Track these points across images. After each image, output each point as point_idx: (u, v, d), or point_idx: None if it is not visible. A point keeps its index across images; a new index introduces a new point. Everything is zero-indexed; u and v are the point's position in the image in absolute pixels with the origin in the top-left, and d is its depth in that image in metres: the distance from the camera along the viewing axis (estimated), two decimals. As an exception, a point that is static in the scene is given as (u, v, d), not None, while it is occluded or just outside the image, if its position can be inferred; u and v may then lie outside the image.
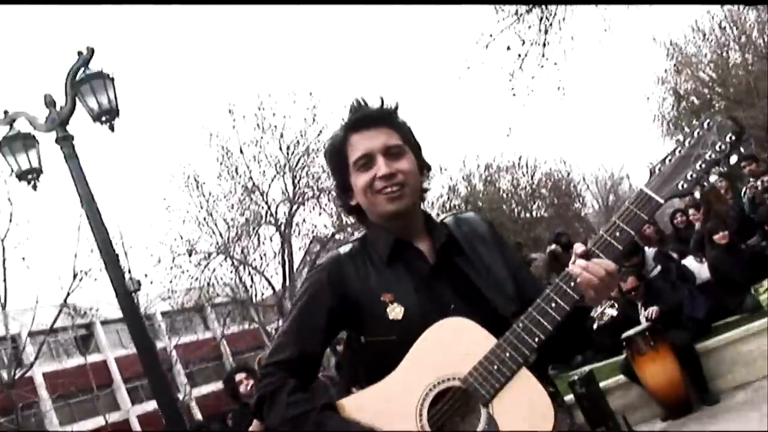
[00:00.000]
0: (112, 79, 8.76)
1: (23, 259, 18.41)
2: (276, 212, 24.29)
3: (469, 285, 2.03)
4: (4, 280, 17.82)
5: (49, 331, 20.44)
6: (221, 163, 23.98)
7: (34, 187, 9.21)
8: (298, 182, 24.51)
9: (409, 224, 2.09)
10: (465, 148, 60.48)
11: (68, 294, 19.12)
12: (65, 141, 8.49)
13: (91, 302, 26.90)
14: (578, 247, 1.85)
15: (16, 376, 17.58)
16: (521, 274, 2.12)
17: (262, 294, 24.65)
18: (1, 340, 22.78)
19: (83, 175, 8.49)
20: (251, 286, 24.58)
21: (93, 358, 36.78)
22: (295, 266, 24.20)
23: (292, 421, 1.93)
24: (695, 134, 1.82)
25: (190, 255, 23.72)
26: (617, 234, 1.82)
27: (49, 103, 8.60)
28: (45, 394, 29.07)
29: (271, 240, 24.16)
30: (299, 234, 24.83)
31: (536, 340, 1.81)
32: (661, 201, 1.81)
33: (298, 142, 23.87)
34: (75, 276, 18.48)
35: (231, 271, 24.61)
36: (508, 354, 1.81)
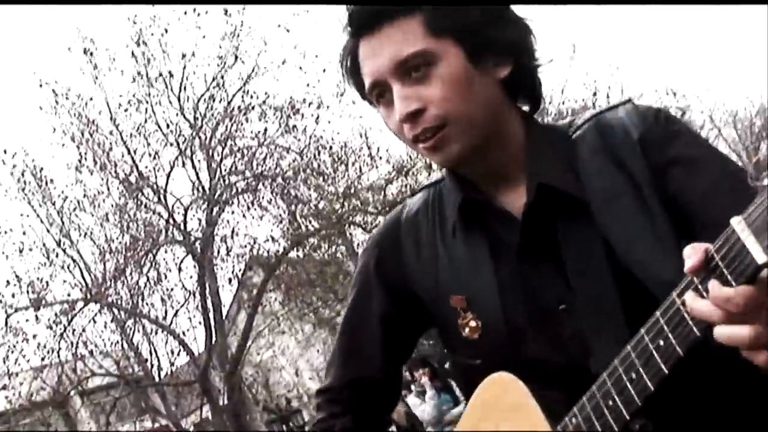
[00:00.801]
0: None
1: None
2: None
3: (595, 264, 1.14)
4: None
5: None
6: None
7: None
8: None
9: (488, 168, 1.22)
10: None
11: None
12: None
13: None
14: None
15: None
16: (710, 211, 1.06)
17: None
18: None
19: None
20: None
21: None
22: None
23: None
24: None
25: None
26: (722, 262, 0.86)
27: None
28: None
29: None
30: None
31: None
32: (762, 261, 0.82)
33: None
34: None
35: None
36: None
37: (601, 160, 1.19)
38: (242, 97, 14.29)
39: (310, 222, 14.76)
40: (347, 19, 1.22)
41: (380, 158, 14.64)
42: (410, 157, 14.37)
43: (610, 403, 1.02)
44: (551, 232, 1.18)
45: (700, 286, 0.88)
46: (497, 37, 1.18)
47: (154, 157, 14.47)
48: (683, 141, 1.17)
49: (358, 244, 14.92)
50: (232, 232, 14.93)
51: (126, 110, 14.19)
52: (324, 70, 13.74)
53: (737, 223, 0.85)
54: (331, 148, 14.55)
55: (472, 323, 1.24)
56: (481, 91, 1.17)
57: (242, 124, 14.43)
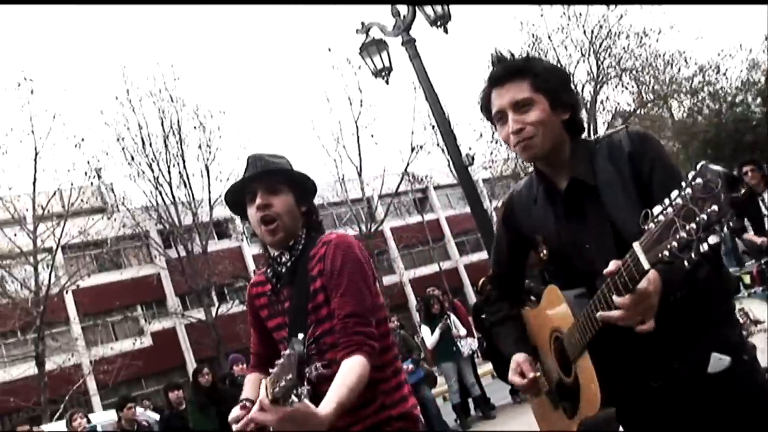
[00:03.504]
0: (445, -9, 9.82)
1: (372, 136, 28.69)
2: (582, 91, 26.94)
3: (596, 225, 2.16)
4: (359, 153, 28.69)
5: (394, 195, 31.13)
6: (533, 48, 26.78)
7: (387, 82, 11.30)
8: (602, 63, 27.50)
9: (554, 162, 2.24)
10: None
11: (408, 164, 29.32)
12: (409, 43, 10.21)
13: (426, 170, 35.71)
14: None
15: (372, 230, 28.85)
16: (658, 193, 1.90)
17: None
18: (357, 201, 31.35)
19: (425, 71, 10.18)
20: None
21: (428, 216, 42.91)
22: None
23: (489, 328, 2.66)
24: (687, 188, 1.56)
25: None
26: (619, 282, 1.84)
27: (395, 13, 10.39)
28: (392, 244, 40.88)
29: None
30: (603, 110, 28.22)
31: (585, 339, 2.08)
32: (647, 267, 1.71)
33: (600, 26, 26.43)
34: (413, 149, 28.55)
35: None
36: (577, 335, 2.12)
37: (607, 164, 2.18)
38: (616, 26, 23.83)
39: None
40: (488, 77, 2.27)
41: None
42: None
43: (598, 302, 1.97)
44: (581, 203, 2.21)
45: (615, 278, 1.84)
46: (564, 98, 2.22)
47: (569, 56, 25.83)
48: (650, 155, 2.13)
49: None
50: (606, 98, 27.13)
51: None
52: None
53: (636, 246, 1.71)
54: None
55: (545, 249, 2.35)
56: (553, 123, 2.19)
57: (616, 41, 26.08)
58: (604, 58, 27.99)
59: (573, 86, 2.41)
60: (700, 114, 28.52)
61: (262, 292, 2.60)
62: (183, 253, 29.85)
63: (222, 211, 30.70)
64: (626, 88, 28.86)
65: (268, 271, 2.57)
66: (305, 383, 1.83)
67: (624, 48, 27.73)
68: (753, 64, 28.79)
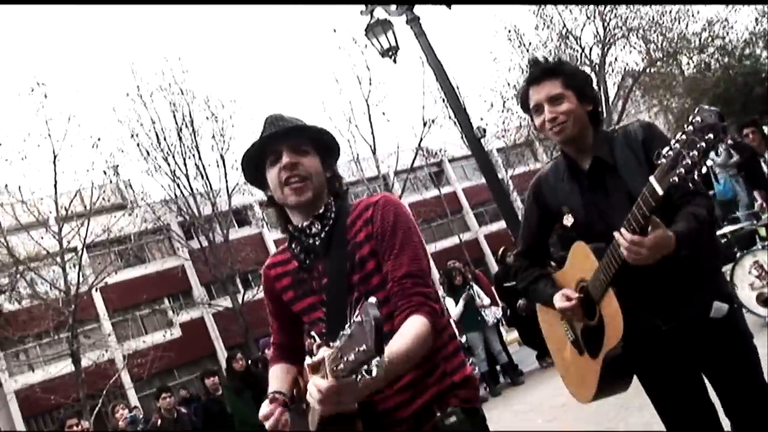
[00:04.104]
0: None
1: (383, 113, 30.49)
2: (590, 54, 27.68)
3: (615, 196, 2.64)
4: (372, 131, 28.82)
5: (409, 170, 30.80)
6: (537, 15, 27.46)
7: (395, 61, 11.54)
8: (608, 24, 27.58)
9: (580, 147, 2.75)
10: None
11: (421, 139, 29.64)
12: (414, 21, 10.32)
13: (439, 144, 36.18)
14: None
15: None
16: None
17: None
18: (373, 179, 31.38)
19: (431, 48, 10.37)
20: None
21: (445, 189, 42.81)
22: (610, 99, 27.87)
23: (524, 289, 3.01)
24: (689, 125, 2.10)
25: (517, 99, 23.87)
26: (640, 213, 2.34)
27: None
28: (411, 219, 41.00)
29: None
30: (612, 71, 28.75)
31: (609, 275, 2.53)
32: (661, 193, 2.22)
33: None
34: (425, 124, 28.78)
35: None
36: (601, 276, 2.57)
37: (624, 148, 2.68)
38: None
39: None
40: (526, 77, 2.81)
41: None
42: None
43: (611, 256, 2.50)
44: (603, 179, 2.70)
45: (634, 211, 2.34)
46: (588, 94, 2.75)
47: (575, 20, 26.89)
48: (657, 135, 2.68)
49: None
50: (614, 59, 28.38)
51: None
52: None
53: (651, 179, 2.22)
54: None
55: (570, 218, 2.78)
56: (580, 113, 2.70)
57: None
58: (610, 19, 27.86)
59: (593, 84, 2.96)
60: (709, 69, 28.33)
61: (284, 273, 2.37)
62: (205, 243, 30.24)
63: (241, 199, 31.06)
64: (634, 48, 28.75)
65: (293, 246, 2.33)
66: (381, 354, 1.59)
67: (629, 7, 27.57)
68: (762, 13, 28.58)
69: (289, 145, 2.20)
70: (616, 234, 2.41)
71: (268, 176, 2.26)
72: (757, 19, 27.97)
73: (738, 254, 7.10)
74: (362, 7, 11.22)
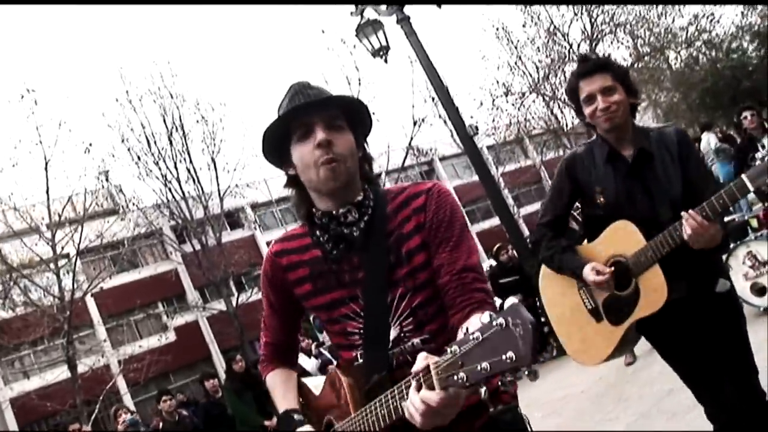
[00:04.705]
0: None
1: (373, 113, 22.41)
2: (578, 49, 27.29)
3: (652, 185, 2.98)
4: None
5: (400, 169, 29.27)
6: (524, 12, 27.50)
7: (385, 61, 11.62)
8: (595, 20, 27.71)
9: (621, 136, 3.06)
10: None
11: (411, 138, 28.27)
12: (404, 21, 10.57)
13: (430, 143, 35.71)
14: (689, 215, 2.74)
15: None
16: (693, 182, 2.95)
17: (572, 122, 27.33)
18: None
19: (421, 46, 10.58)
20: (562, 117, 28.21)
21: None
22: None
23: (548, 259, 3.23)
24: None
25: (506, 96, 28.01)
26: (719, 203, 2.70)
27: None
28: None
29: None
30: None
31: (660, 252, 2.88)
32: (752, 188, 2.66)
33: None
34: (415, 123, 27.48)
35: (543, 107, 28.75)
36: (650, 253, 2.90)
37: (661, 145, 3.00)
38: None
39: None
40: (577, 71, 3.08)
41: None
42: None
43: (669, 236, 2.86)
44: (641, 168, 2.99)
45: (713, 201, 2.72)
46: (632, 87, 3.08)
47: (562, 16, 27.26)
48: (690, 145, 3.05)
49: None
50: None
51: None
52: None
53: (744, 177, 2.69)
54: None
55: (602, 198, 3.05)
56: (627, 104, 3.03)
57: None
58: (597, 15, 27.96)
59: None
60: (697, 63, 28.53)
61: (300, 262, 2.09)
62: (198, 247, 30.13)
63: (233, 202, 31.04)
64: (621, 43, 28.84)
65: (318, 234, 2.05)
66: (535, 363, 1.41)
67: (616, 3, 27.73)
68: (747, 7, 28.79)
69: (324, 118, 1.94)
70: (686, 214, 2.73)
71: (294, 153, 1.99)
72: (743, 13, 28.21)
73: (731, 245, 7.18)
74: (351, 7, 11.28)
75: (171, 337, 33.07)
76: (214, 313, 32.05)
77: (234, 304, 29.75)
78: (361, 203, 2.02)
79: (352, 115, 2.02)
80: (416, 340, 1.95)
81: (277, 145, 2.02)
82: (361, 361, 1.99)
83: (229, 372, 9.52)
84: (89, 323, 29.20)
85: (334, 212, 2.00)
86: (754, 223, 8.58)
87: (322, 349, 10.83)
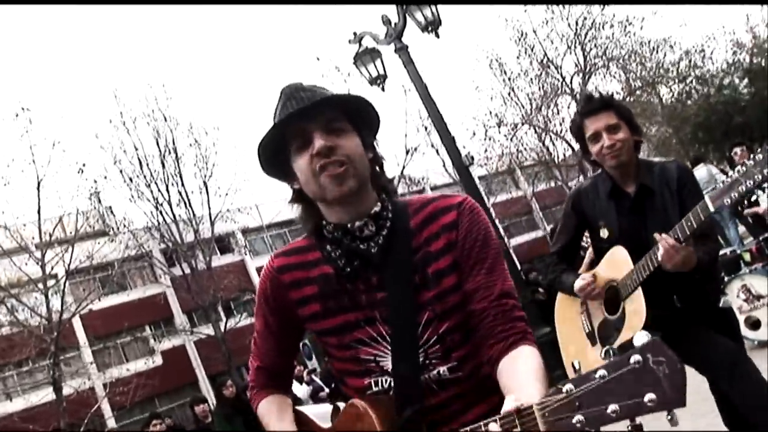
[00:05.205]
0: (436, -5, 10.32)
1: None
2: (571, 83, 27.92)
3: (650, 220, 3.07)
4: None
5: None
6: (518, 44, 28.07)
7: (383, 89, 11.59)
8: (588, 54, 28.11)
9: (625, 172, 3.15)
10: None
11: (403, 167, 29.36)
12: (402, 50, 10.61)
13: (422, 172, 35.84)
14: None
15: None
16: (690, 203, 2.94)
17: (564, 155, 28.38)
18: None
19: (419, 76, 10.52)
20: (553, 149, 28.82)
21: None
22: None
23: (552, 281, 3.46)
24: (754, 159, 2.53)
25: (499, 127, 28.55)
26: (687, 225, 2.80)
27: (386, 21, 10.74)
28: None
29: (568, 108, 27.25)
30: None
31: (642, 276, 2.99)
32: (713, 209, 2.72)
33: (584, 17, 27.01)
34: (407, 152, 28.77)
35: (535, 138, 29.08)
36: (634, 276, 3.02)
37: (661, 181, 3.10)
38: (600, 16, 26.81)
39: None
40: (582, 110, 3.21)
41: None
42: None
43: (648, 260, 2.98)
44: (643, 203, 3.11)
45: (682, 223, 2.84)
46: (636, 126, 3.20)
47: (556, 49, 28.25)
48: (689, 185, 3.10)
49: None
50: (595, 87, 27.87)
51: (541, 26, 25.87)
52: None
53: (706, 197, 2.73)
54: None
55: (606, 231, 3.18)
56: (631, 141, 3.12)
57: (601, 31, 27.70)
58: (591, 49, 28.30)
59: None
60: (689, 98, 28.84)
61: (306, 279, 1.85)
62: (187, 271, 29.99)
63: (223, 227, 30.92)
64: (614, 77, 29.16)
65: (329, 249, 1.82)
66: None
67: (609, 37, 28.09)
68: (737, 44, 29.21)
69: (321, 123, 1.73)
70: (657, 236, 2.83)
71: (294, 166, 1.78)
72: (735, 51, 28.60)
73: (726, 279, 7.23)
74: (348, 35, 11.36)
75: (158, 360, 32.84)
76: (201, 337, 31.79)
77: (222, 329, 29.57)
78: (378, 215, 1.80)
79: (355, 115, 1.80)
80: (443, 369, 1.76)
81: (275, 158, 1.81)
82: (376, 389, 1.80)
83: (219, 397, 9.48)
84: (76, 345, 28.90)
85: (349, 225, 1.78)
86: (747, 257, 8.64)
87: (313, 376, 10.76)
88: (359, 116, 1.80)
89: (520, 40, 28.31)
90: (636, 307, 3.02)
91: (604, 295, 3.23)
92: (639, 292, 3.00)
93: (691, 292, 3.08)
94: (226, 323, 30.14)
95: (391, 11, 10.67)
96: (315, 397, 9.78)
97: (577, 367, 1.32)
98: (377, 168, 1.85)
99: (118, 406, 27.36)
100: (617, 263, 3.12)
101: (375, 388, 1.80)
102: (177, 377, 32.23)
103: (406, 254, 1.78)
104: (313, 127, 1.73)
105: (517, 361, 1.63)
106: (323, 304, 1.83)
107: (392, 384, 1.77)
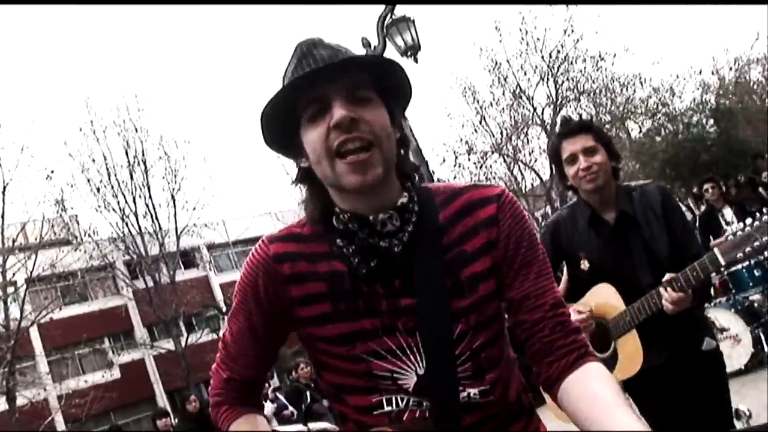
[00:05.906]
0: (413, 21, 10.75)
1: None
2: (542, 114, 28.11)
3: (634, 249, 2.98)
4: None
5: None
6: (491, 73, 28.06)
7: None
8: (560, 86, 28.18)
9: (603, 198, 3.04)
10: (714, 44, 62.50)
11: None
12: None
13: None
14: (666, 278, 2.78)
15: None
16: (678, 237, 2.96)
17: (532, 185, 28.55)
18: None
19: None
20: (522, 179, 28.56)
21: None
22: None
23: None
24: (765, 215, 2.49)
25: (469, 154, 28.19)
26: (692, 275, 2.68)
27: (365, 44, 10.63)
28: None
29: (538, 138, 27.55)
30: None
31: (638, 319, 2.90)
32: (723, 263, 2.60)
33: (558, 51, 27.40)
34: None
35: (504, 167, 28.80)
36: (628, 318, 2.93)
37: (643, 205, 2.98)
38: (572, 50, 27.44)
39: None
40: (560, 132, 3.11)
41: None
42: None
43: (646, 304, 2.85)
44: (624, 231, 2.99)
45: (687, 273, 2.69)
46: (614, 151, 3.09)
47: (528, 80, 28.20)
48: (675, 205, 3.03)
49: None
50: None
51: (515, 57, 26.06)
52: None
53: (716, 250, 2.61)
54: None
55: (586, 263, 3.06)
56: (609, 166, 3.02)
57: (573, 65, 28.22)
58: (563, 82, 28.50)
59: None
60: (658, 134, 29.33)
61: (314, 274, 1.52)
62: (150, 284, 29.64)
63: (189, 241, 30.70)
64: (584, 111, 29.48)
65: (343, 244, 1.50)
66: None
67: (581, 71, 28.35)
68: (703, 85, 29.89)
69: (342, 89, 1.40)
70: (662, 290, 2.76)
71: (304, 137, 1.45)
72: (702, 91, 29.23)
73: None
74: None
75: (116, 374, 32.36)
76: (161, 351, 31.42)
77: (183, 344, 29.24)
78: (404, 207, 1.49)
79: (384, 81, 1.46)
80: (473, 391, 1.50)
81: (282, 128, 1.47)
82: (388, 408, 1.53)
83: (183, 412, 9.37)
84: (32, 354, 28.35)
85: (371, 218, 1.47)
86: (711, 291, 8.83)
87: (278, 393, 10.69)
88: (390, 84, 1.47)
89: (493, 69, 28.54)
90: (632, 352, 2.94)
91: (591, 330, 3.08)
92: (634, 334, 2.92)
93: (678, 339, 2.97)
94: (187, 338, 29.80)
95: (371, 34, 10.78)
96: (278, 416, 9.69)
97: None
98: (404, 151, 1.54)
99: (73, 418, 26.80)
100: (605, 300, 3.02)
101: (387, 408, 1.52)
102: (134, 391, 31.73)
103: (437, 254, 1.49)
104: (332, 92, 1.40)
105: (591, 383, 1.42)
106: (333, 305, 1.50)
107: (409, 404, 1.51)
